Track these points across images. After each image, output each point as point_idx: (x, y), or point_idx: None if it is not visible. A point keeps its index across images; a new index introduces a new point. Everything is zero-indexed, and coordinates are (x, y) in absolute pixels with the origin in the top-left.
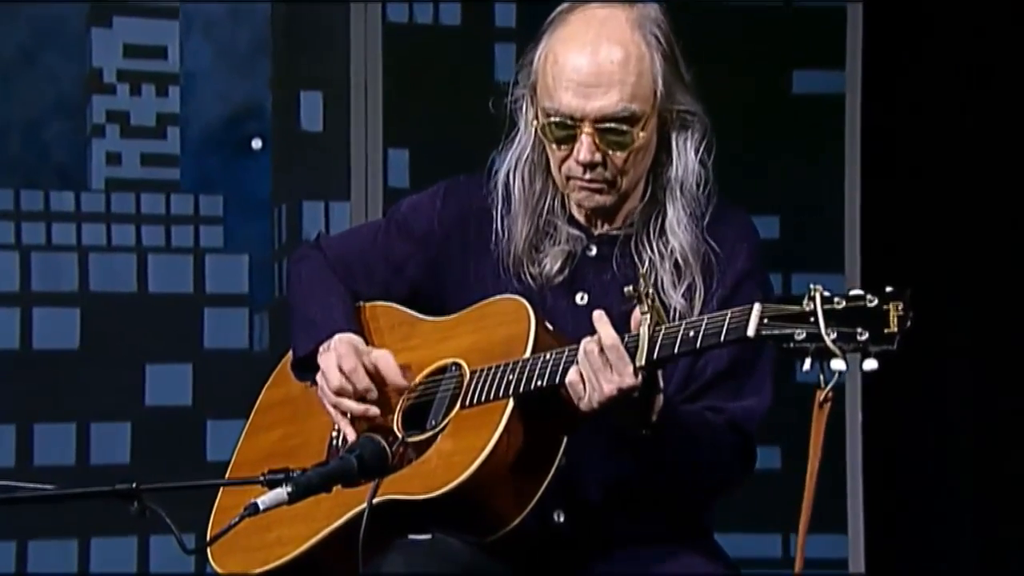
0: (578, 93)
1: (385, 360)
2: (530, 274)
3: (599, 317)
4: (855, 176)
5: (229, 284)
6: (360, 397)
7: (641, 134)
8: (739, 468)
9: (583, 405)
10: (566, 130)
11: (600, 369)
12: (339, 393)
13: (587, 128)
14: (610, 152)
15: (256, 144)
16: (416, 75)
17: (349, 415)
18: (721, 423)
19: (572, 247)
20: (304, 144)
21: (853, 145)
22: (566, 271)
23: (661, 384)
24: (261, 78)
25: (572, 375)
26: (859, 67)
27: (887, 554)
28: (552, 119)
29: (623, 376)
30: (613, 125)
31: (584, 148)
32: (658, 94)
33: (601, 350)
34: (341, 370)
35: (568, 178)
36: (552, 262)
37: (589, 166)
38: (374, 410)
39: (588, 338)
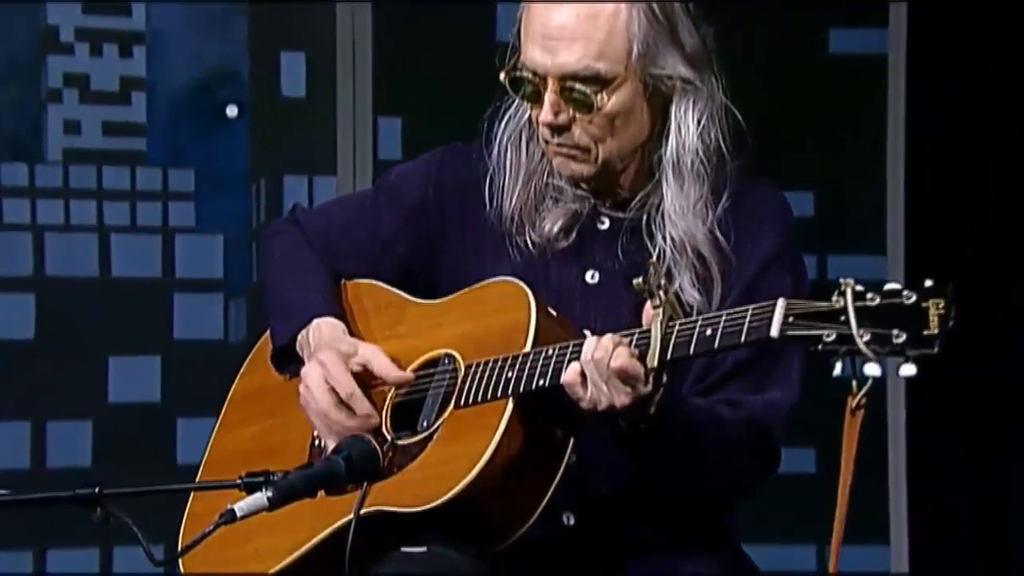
0: (544, 47)
1: (377, 358)
2: (531, 241)
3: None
4: (898, 146)
5: (202, 267)
6: (351, 422)
7: (610, 99)
8: (757, 468)
9: (584, 405)
10: (533, 87)
11: (611, 379)
12: (326, 417)
13: (551, 85)
14: (576, 115)
15: (231, 112)
16: (409, 35)
17: (337, 433)
18: (736, 418)
19: (578, 206)
20: (285, 112)
21: (896, 112)
22: (572, 236)
23: (664, 378)
24: (237, 38)
25: (571, 376)
26: (903, 24)
27: (932, 567)
28: (519, 73)
29: (637, 388)
30: (576, 85)
31: (546, 108)
32: (633, 56)
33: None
34: (329, 386)
35: (545, 141)
36: (554, 220)
37: (554, 129)
38: (374, 420)
39: (592, 340)
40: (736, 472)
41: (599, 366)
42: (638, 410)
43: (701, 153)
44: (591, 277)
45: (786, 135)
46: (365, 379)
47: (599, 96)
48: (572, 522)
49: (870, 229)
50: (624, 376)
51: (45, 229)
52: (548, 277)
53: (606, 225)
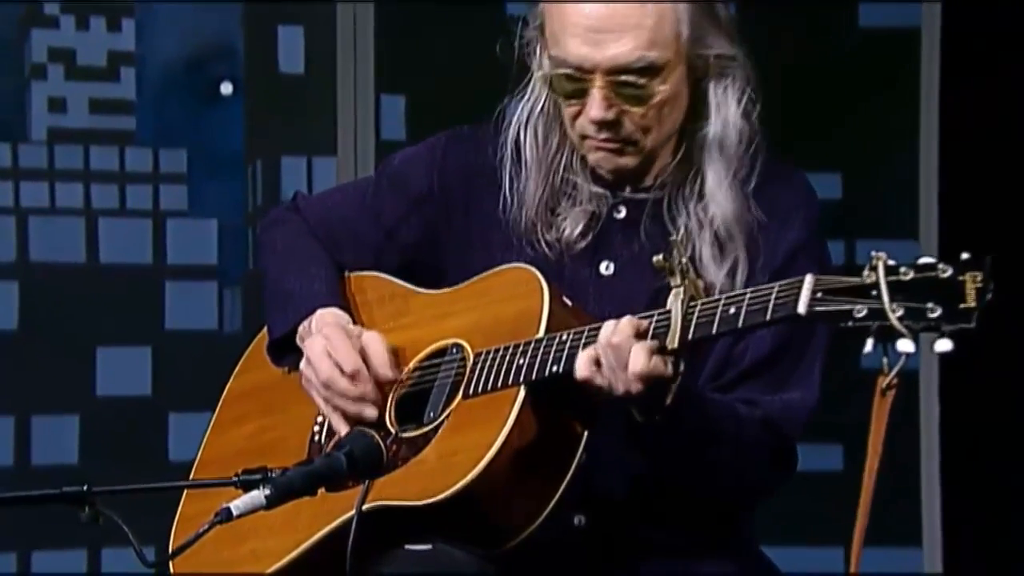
0: (587, 40)
1: (375, 345)
2: (545, 241)
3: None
4: (931, 124)
5: (195, 253)
6: (352, 389)
7: (663, 87)
8: (773, 470)
9: (599, 394)
10: (576, 83)
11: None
12: (329, 386)
13: (599, 81)
14: (627, 108)
15: (226, 89)
16: (414, 8)
17: (340, 410)
18: (752, 417)
19: (596, 207)
20: (282, 89)
21: (930, 89)
22: (589, 236)
23: (681, 366)
24: (232, 11)
25: (584, 366)
26: None
27: (967, 571)
28: (559, 70)
29: (653, 369)
30: (629, 78)
31: (596, 104)
32: (683, 39)
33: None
34: (331, 357)
35: (582, 137)
36: (572, 224)
37: (603, 125)
38: (370, 411)
39: (610, 324)
40: (750, 473)
41: (617, 352)
42: (654, 399)
43: (743, 132)
44: (605, 268)
45: (812, 113)
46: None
47: (652, 86)
48: (583, 523)
49: (901, 212)
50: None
51: (29, 213)
52: (561, 272)
53: (623, 214)
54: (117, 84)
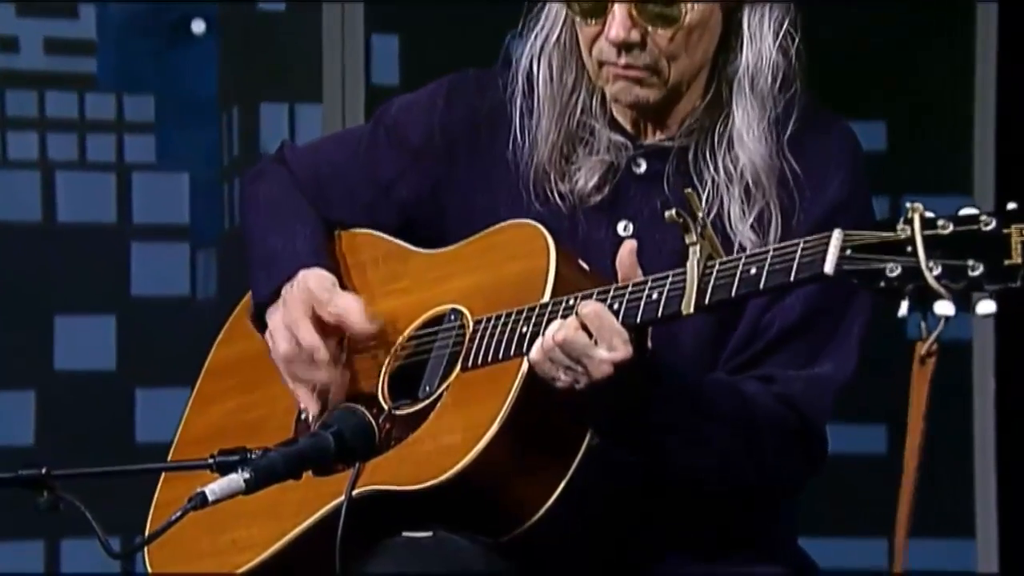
0: None
1: (350, 306)
2: (558, 192)
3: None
4: (988, 68)
5: (164, 211)
6: (309, 359)
7: (693, 7)
8: (795, 458)
9: (560, 385)
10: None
11: (584, 351)
12: (289, 360)
13: None
14: (651, 29)
15: (197, 27)
16: None
17: (307, 385)
18: (766, 399)
19: (614, 158)
20: (261, 27)
21: (987, 28)
22: (605, 189)
23: (648, 343)
24: None
25: (536, 354)
26: None
27: None
28: None
29: (616, 349)
30: None
31: (617, 22)
32: None
33: (583, 326)
34: (288, 328)
35: (600, 64)
36: (587, 175)
37: (624, 47)
38: (333, 374)
39: (557, 324)
40: (766, 460)
41: (569, 345)
42: (628, 391)
43: (778, 68)
44: (624, 228)
45: (855, 55)
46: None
47: (681, 6)
48: (595, 510)
49: (954, 164)
50: (597, 323)
51: None
52: (575, 230)
53: (643, 168)
54: (75, 22)
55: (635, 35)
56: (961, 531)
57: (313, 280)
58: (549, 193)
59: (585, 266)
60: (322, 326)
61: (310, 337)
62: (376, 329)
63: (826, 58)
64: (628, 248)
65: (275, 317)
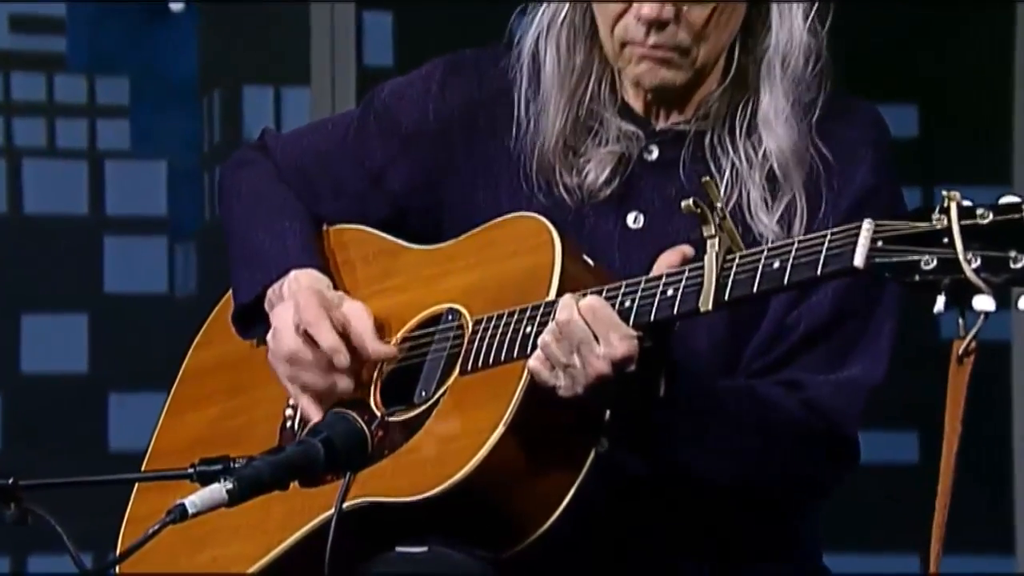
0: None
1: (359, 316)
2: (564, 185)
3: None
4: None
5: (140, 203)
6: (324, 365)
7: None
8: (821, 465)
9: (561, 393)
10: None
11: (583, 343)
12: (294, 361)
13: None
14: (686, 7)
15: (176, 5)
16: None
17: (306, 390)
18: (790, 403)
19: (624, 148)
20: (245, 4)
21: None
22: (615, 183)
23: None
24: None
25: (535, 362)
26: None
27: None
28: None
29: (613, 345)
30: None
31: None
32: None
33: (578, 315)
34: (299, 328)
35: (623, 44)
36: (597, 168)
37: (656, 25)
38: (344, 383)
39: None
40: (790, 467)
41: (570, 328)
42: (639, 394)
43: (810, 49)
44: (633, 220)
45: (884, 34)
46: (349, 343)
47: None
48: (603, 522)
49: (991, 152)
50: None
51: None
52: (580, 225)
53: (655, 155)
54: None
55: (668, 12)
56: (1000, 547)
57: (304, 280)
58: (554, 186)
59: (591, 261)
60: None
61: (332, 339)
62: (385, 347)
63: (852, 36)
64: (679, 251)
65: (284, 315)
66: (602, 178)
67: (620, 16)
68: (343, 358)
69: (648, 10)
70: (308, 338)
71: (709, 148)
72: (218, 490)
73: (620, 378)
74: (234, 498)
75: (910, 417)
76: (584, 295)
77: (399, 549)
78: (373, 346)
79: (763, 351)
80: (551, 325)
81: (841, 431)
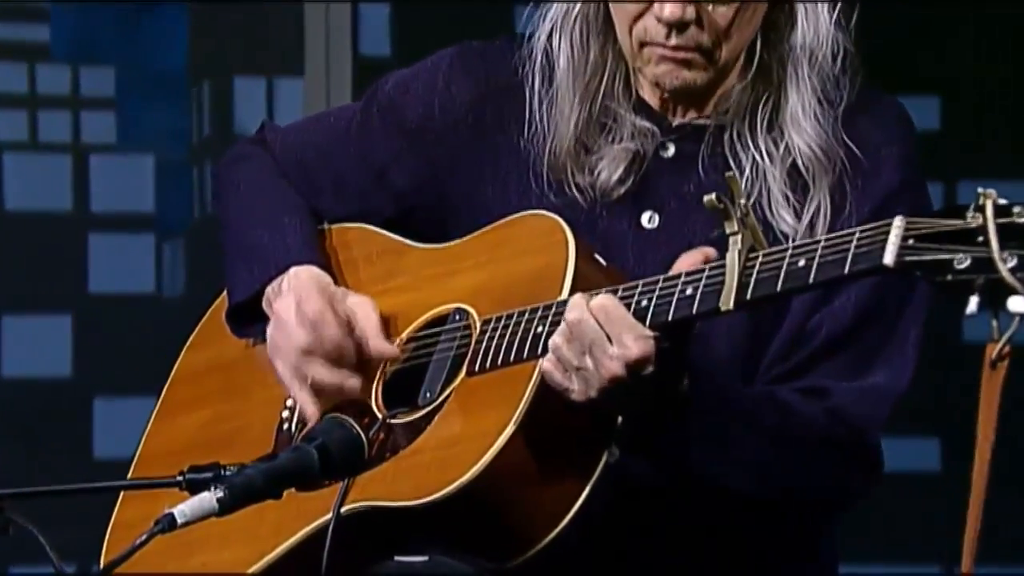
0: None
1: (364, 311)
2: (576, 185)
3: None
4: None
5: (126, 198)
6: (332, 359)
7: None
8: (845, 474)
9: (575, 397)
10: None
11: (595, 343)
12: (304, 353)
13: None
14: (710, 7)
15: None
16: None
17: (312, 386)
18: (812, 410)
19: (639, 146)
20: None
21: None
22: (629, 181)
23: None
24: None
25: (547, 364)
26: None
27: None
28: None
29: (626, 346)
30: None
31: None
32: None
33: (589, 315)
34: (303, 319)
35: (643, 44)
36: (611, 167)
37: (677, 26)
38: (352, 381)
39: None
40: (811, 482)
41: (581, 327)
42: (655, 396)
43: (837, 43)
44: (648, 220)
45: (905, 24)
46: (351, 341)
47: None
48: (611, 531)
49: (1017, 146)
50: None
51: None
52: (593, 225)
53: (671, 151)
54: None
55: (690, 12)
56: None
57: (305, 277)
58: (566, 185)
59: (604, 263)
60: None
61: (337, 334)
62: (390, 347)
63: (871, 25)
64: (702, 252)
65: (286, 308)
66: (615, 177)
67: (639, 16)
68: (349, 355)
69: (670, 11)
70: (315, 330)
71: (728, 143)
72: (208, 499)
73: (636, 381)
74: (225, 507)
75: (931, 423)
76: (596, 294)
77: (398, 558)
78: (375, 344)
79: (783, 356)
80: (561, 326)
81: (864, 439)
